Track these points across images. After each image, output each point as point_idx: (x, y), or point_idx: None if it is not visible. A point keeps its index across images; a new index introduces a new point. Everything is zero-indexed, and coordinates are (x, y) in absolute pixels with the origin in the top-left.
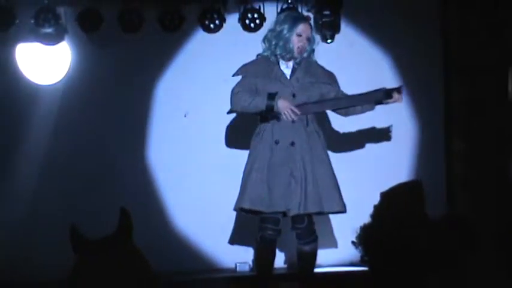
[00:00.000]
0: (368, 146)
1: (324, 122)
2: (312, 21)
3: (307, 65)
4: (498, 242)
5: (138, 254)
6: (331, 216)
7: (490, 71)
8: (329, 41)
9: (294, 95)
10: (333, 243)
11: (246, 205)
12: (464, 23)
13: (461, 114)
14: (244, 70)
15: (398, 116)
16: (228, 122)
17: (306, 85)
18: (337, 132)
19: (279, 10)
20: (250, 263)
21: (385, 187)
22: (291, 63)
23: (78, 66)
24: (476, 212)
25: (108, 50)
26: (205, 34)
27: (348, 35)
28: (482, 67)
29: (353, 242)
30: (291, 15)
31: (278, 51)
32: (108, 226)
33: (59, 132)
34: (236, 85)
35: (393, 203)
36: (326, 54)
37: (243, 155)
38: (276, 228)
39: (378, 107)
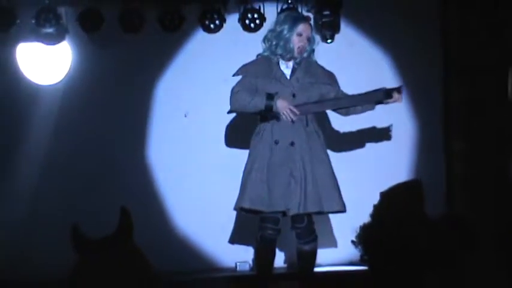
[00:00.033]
0: (368, 145)
1: (324, 122)
2: (311, 21)
3: (307, 65)
4: (497, 242)
5: (139, 253)
6: (330, 215)
7: (489, 71)
8: (329, 41)
9: (293, 95)
10: (332, 243)
11: (246, 205)
12: (464, 23)
13: (461, 114)
14: (244, 70)
15: (398, 116)
16: (228, 122)
17: (305, 85)
18: (337, 132)
19: (279, 10)
20: (251, 262)
21: (385, 187)
22: (291, 63)
23: (79, 66)
24: (475, 211)
25: (108, 50)
26: (205, 34)
27: (347, 35)
28: (482, 67)
29: (353, 242)
30: (291, 16)
31: (278, 51)
32: (109, 226)
33: (59, 132)
34: (236, 85)
35: (393, 202)
36: (326, 54)
37: (243, 155)
38: (276, 227)
39: (378, 107)
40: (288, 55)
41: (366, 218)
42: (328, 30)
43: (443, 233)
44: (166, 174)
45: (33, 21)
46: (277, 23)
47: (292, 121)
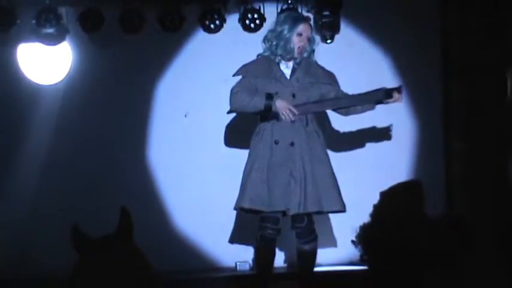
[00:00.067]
0: (368, 145)
1: (324, 122)
2: (311, 22)
3: (307, 65)
4: (497, 242)
5: (139, 253)
6: (330, 215)
7: (489, 71)
8: (329, 41)
9: (293, 95)
10: (332, 243)
11: (246, 204)
12: (464, 23)
13: (461, 114)
14: (244, 70)
15: (398, 116)
16: (228, 122)
17: (305, 85)
18: (337, 131)
19: (279, 10)
20: (251, 262)
21: (385, 187)
22: (291, 64)
23: (79, 66)
24: (475, 211)
25: (109, 50)
26: (205, 34)
27: (347, 35)
28: (482, 67)
29: (352, 241)
30: (291, 16)
31: (279, 52)
32: (109, 226)
33: (59, 132)
34: (235, 85)
35: (393, 202)
36: (326, 54)
37: (243, 155)
38: (276, 227)
39: (378, 107)
40: (288, 55)
41: (365, 218)
42: (328, 31)
43: (443, 233)
44: (167, 174)
45: (33, 22)
46: (278, 23)
47: (293, 121)
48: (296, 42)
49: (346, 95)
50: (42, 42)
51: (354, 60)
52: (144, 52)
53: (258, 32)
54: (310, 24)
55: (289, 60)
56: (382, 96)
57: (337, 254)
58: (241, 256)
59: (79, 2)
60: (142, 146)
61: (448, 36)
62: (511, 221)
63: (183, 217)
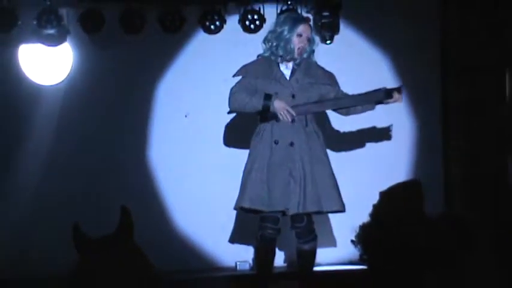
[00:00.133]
0: (367, 145)
1: (324, 122)
2: (311, 22)
3: (306, 65)
4: (496, 241)
5: (139, 253)
6: (330, 215)
7: (489, 71)
8: (328, 42)
9: (293, 96)
10: (332, 242)
11: (246, 204)
12: (464, 23)
13: (460, 114)
14: (244, 71)
15: (397, 116)
16: (228, 122)
17: (305, 86)
18: (337, 131)
19: (278, 11)
20: (251, 261)
21: (384, 186)
22: (290, 64)
23: (80, 67)
24: (474, 211)
25: (109, 51)
26: (205, 35)
27: (347, 35)
28: (482, 67)
29: (352, 241)
30: (291, 17)
31: (279, 52)
32: (109, 225)
33: (60, 132)
34: (235, 85)
35: (392, 202)
36: (325, 55)
37: (243, 155)
38: (276, 227)
39: (378, 107)
40: (288, 56)
41: (365, 218)
42: (328, 31)
43: (442, 233)
44: (167, 174)
45: (34, 23)
46: (278, 24)
47: (293, 121)
48: (296, 42)
49: (346, 95)
50: (43, 43)
51: (354, 60)
52: (145, 53)
53: (258, 33)
54: (310, 25)
55: (289, 60)
56: (382, 96)
57: (336, 253)
58: (242, 256)
59: (80, 3)
60: (143, 146)
61: (447, 36)
62: (510, 220)
63: (183, 217)
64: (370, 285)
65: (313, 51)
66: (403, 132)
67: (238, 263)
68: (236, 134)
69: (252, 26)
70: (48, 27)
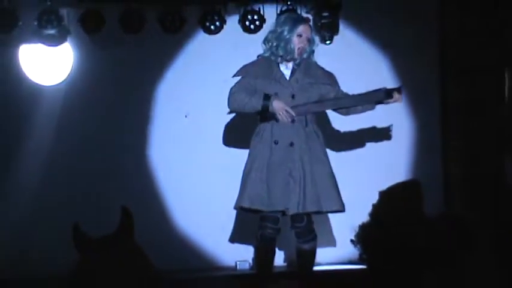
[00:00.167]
0: (367, 145)
1: (324, 122)
2: (311, 23)
3: (306, 66)
4: (495, 242)
5: (140, 252)
6: (330, 215)
7: (488, 71)
8: (328, 42)
9: (293, 96)
10: (331, 242)
11: (246, 204)
12: (464, 24)
13: (460, 114)
14: (244, 71)
15: (397, 116)
16: (227, 122)
17: (305, 86)
18: (337, 131)
19: (278, 12)
20: (250, 261)
21: (384, 186)
22: (290, 64)
23: (81, 67)
24: (473, 211)
25: (110, 51)
26: (205, 35)
27: (346, 36)
28: (481, 67)
29: (352, 241)
30: (290, 17)
31: (280, 53)
32: (110, 225)
33: (60, 132)
34: (234, 85)
35: (391, 202)
36: (325, 55)
37: (242, 155)
38: (276, 227)
39: (378, 107)
40: (288, 56)
41: (364, 218)
42: (327, 32)
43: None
44: (167, 174)
45: (35, 23)
46: (278, 24)
47: (293, 121)
48: (296, 43)
49: (346, 95)
50: (44, 43)
51: (353, 60)
52: (145, 53)
53: (258, 33)
54: (310, 25)
55: (289, 61)
56: (382, 96)
57: (336, 253)
58: (242, 255)
59: (80, 4)
60: (143, 146)
61: (447, 37)
62: (510, 220)
63: (184, 216)
64: (370, 284)
65: (313, 52)
66: (403, 132)
67: (238, 263)
68: (236, 134)
69: (252, 26)
70: (48, 27)
